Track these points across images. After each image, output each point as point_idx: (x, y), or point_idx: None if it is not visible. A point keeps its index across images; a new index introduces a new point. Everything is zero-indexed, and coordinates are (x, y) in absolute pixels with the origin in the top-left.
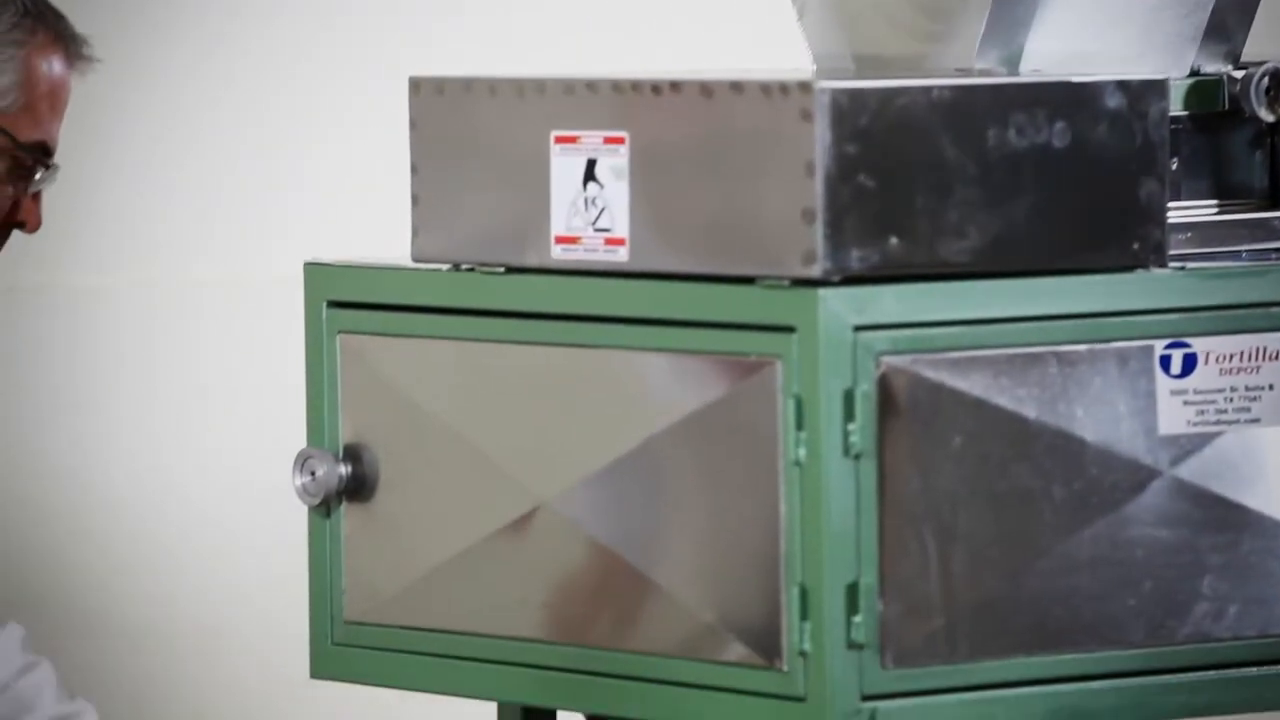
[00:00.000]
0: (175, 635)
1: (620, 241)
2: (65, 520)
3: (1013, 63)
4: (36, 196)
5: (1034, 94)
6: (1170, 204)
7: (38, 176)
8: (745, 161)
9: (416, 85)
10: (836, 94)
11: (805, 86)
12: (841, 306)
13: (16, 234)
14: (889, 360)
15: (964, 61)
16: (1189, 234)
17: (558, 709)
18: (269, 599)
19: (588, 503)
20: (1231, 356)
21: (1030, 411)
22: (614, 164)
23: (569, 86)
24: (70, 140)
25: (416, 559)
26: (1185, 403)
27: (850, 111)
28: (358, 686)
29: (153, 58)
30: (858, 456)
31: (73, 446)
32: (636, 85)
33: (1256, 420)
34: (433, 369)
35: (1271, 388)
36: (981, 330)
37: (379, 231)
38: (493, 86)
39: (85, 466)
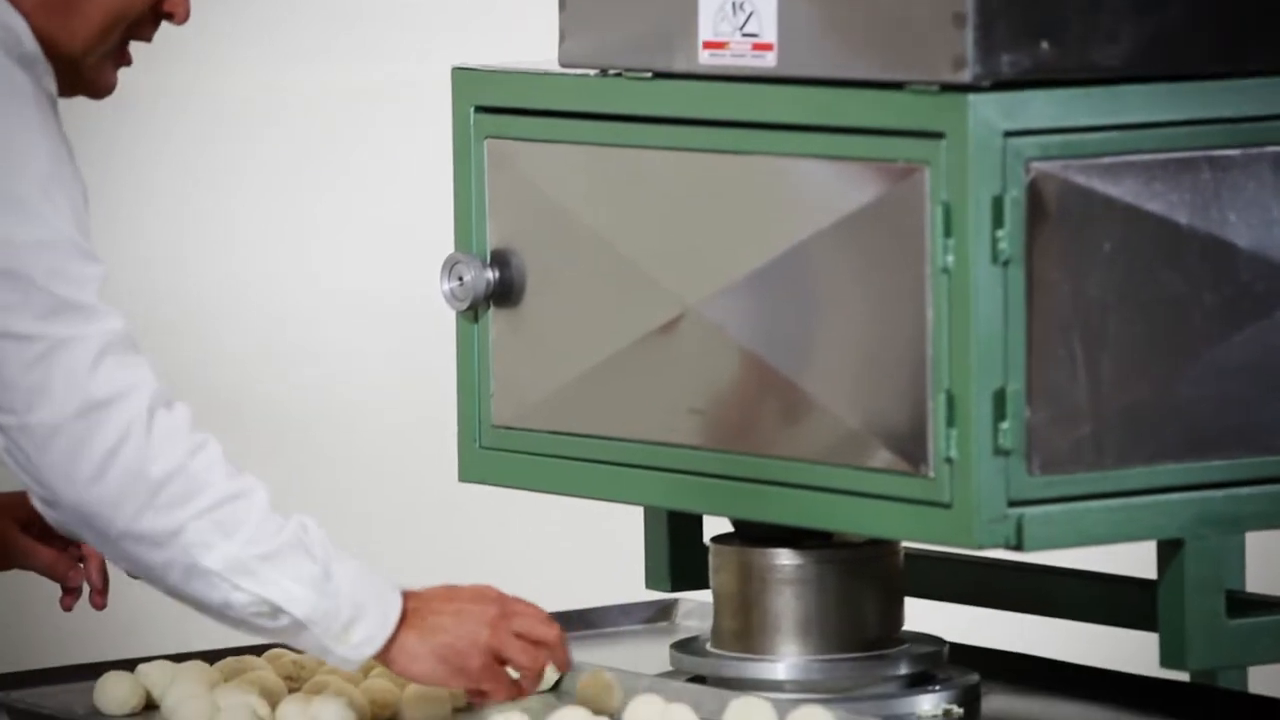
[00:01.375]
0: (326, 434)
1: (768, 47)
2: (214, 313)
3: None
4: None
5: None
6: None
7: None
8: None
9: None
10: None
11: None
12: (991, 112)
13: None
14: (1039, 166)
15: None
16: None
17: (703, 514)
18: (419, 403)
19: (734, 308)
20: None
21: (1181, 217)
22: None
23: None
24: None
25: (563, 364)
26: None
27: None
28: (505, 490)
29: None
30: (1006, 263)
31: (226, 245)
32: None
33: None
34: (579, 174)
35: None
36: (1133, 135)
37: (527, 36)
38: None
39: (241, 267)
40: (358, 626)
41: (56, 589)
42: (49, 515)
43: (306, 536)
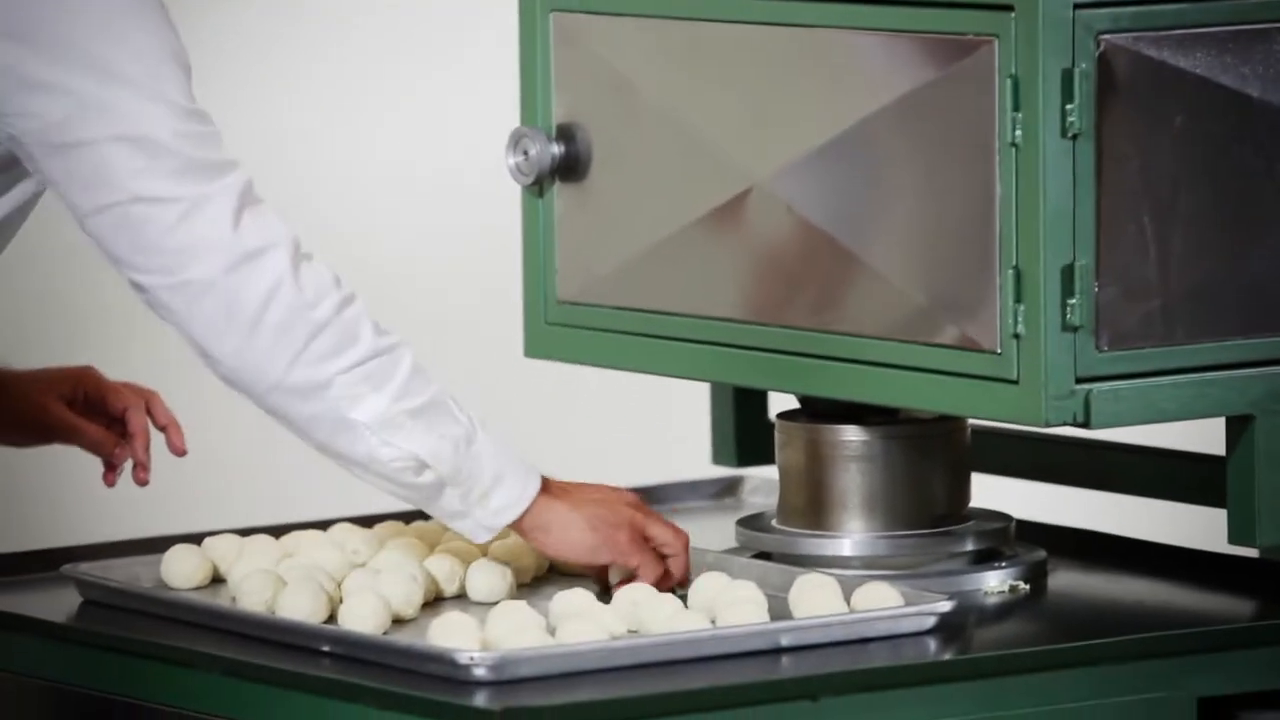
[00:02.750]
0: (391, 313)
1: None
2: (278, 193)
3: None
4: None
5: None
6: None
7: None
8: None
9: None
10: None
11: None
12: None
13: None
14: (1109, 38)
15: None
16: None
17: (769, 390)
18: (484, 279)
19: (800, 183)
20: None
21: (1253, 90)
22: None
23: None
24: None
25: (628, 239)
26: None
27: None
28: (570, 366)
29: None
30: (1075, 137)
31: (289, 123)
32: None
33: None
34: (645, 48)
35: None
36: (1205, 7)
37: None
38: None
39: (304, 144)
40: (497, 492)
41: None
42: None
43: (452, 400)
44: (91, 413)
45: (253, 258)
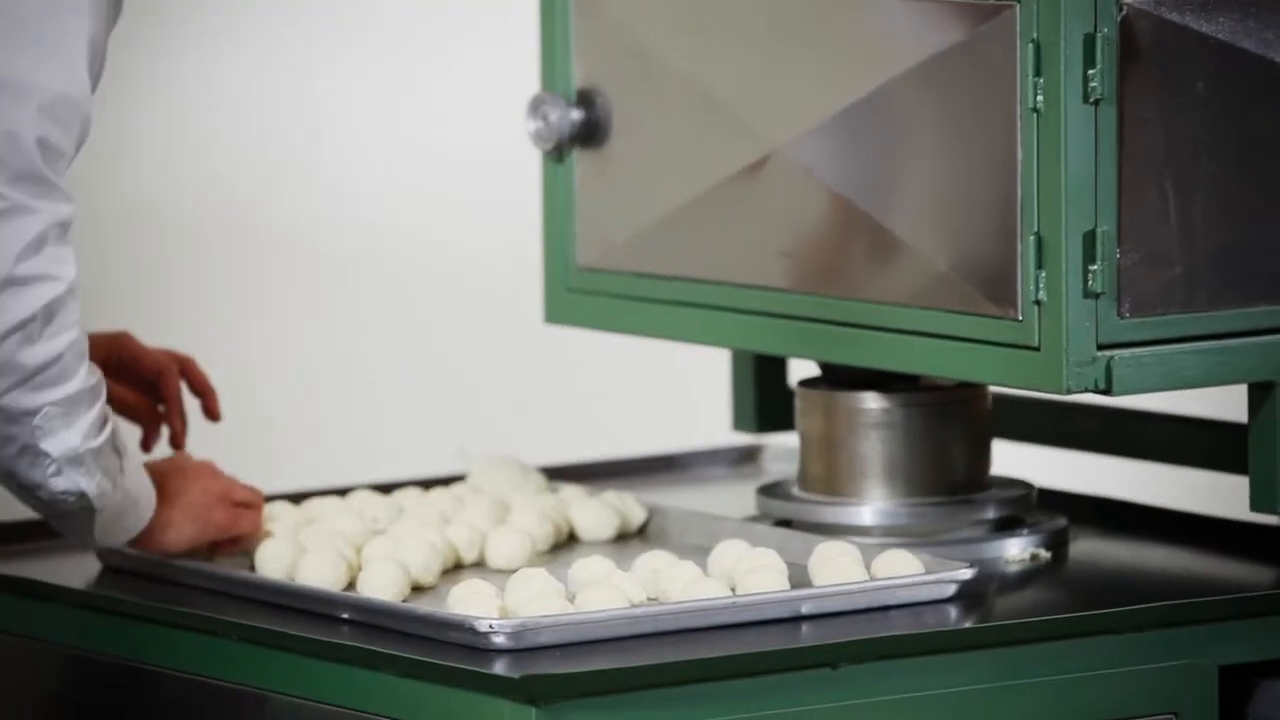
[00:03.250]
0: (412, 279)
1: None
2: (300, 161)
3: None
4: None
5: None
6: None
7: None
8: None
9: None
10: None
11: None
12: None
13: None
14: (1132, 3)
15: None
16: None
17: (789, 356)
18: (504, 246)
19: (821, 149)
20: None
21: (1276, 55)
22: None
23: None
24: None
25: (648, 205)
26: None
27: None
28: (590, 332)
29: None
30: (1097, 102)
31: (307, 90)
32: None
33: None
34: (666, 12)
35: None
36: None
37: None
38: None
39: (323, 113)
40: (129, 515)
41: (139, 430)
42: None
43: (117, 432)
44: (126, 378)
45: (22, 285)
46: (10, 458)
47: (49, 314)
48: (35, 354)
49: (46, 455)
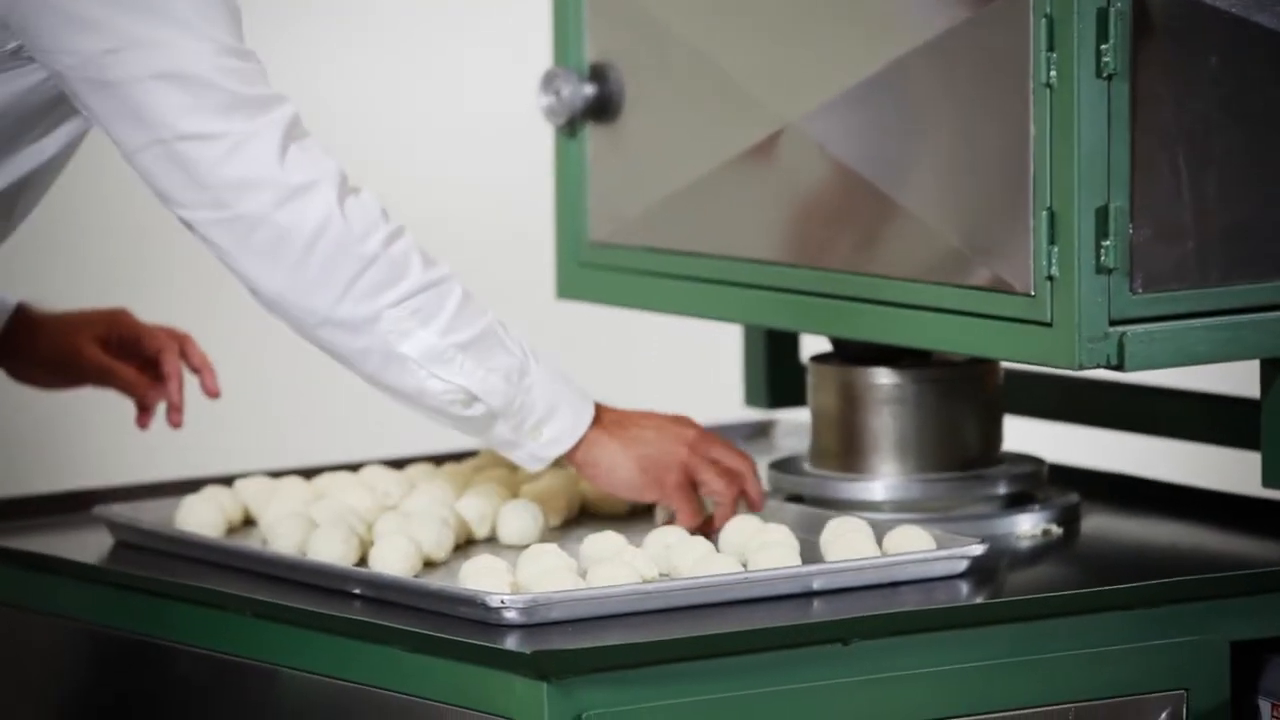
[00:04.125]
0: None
1: None
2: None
3: None
4: None
5: None
6: None
7: None
8: None
9: None
10: None
11: None
12: None
13: None
14: None
15: None
16: None
17: (801, 332)
18: (517, 220)
19: (834, 124)
20: None
21: None
22: None
23: None
24: None
25: (661, 180)
26: None
27: None
28: (602, 307)
29: None
30: (1110, 77)
31: (318, 66)
32: None
33: None
34: None
35: None
36: None
37: None
38: None
39: (334, 87)
40: (549, 424)
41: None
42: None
43: (504, 331)
44: (125, 355)
45: (300, 193)
46: (378, 372)
47: (342, 212)
48: (350, 256)
49: (407, 358)
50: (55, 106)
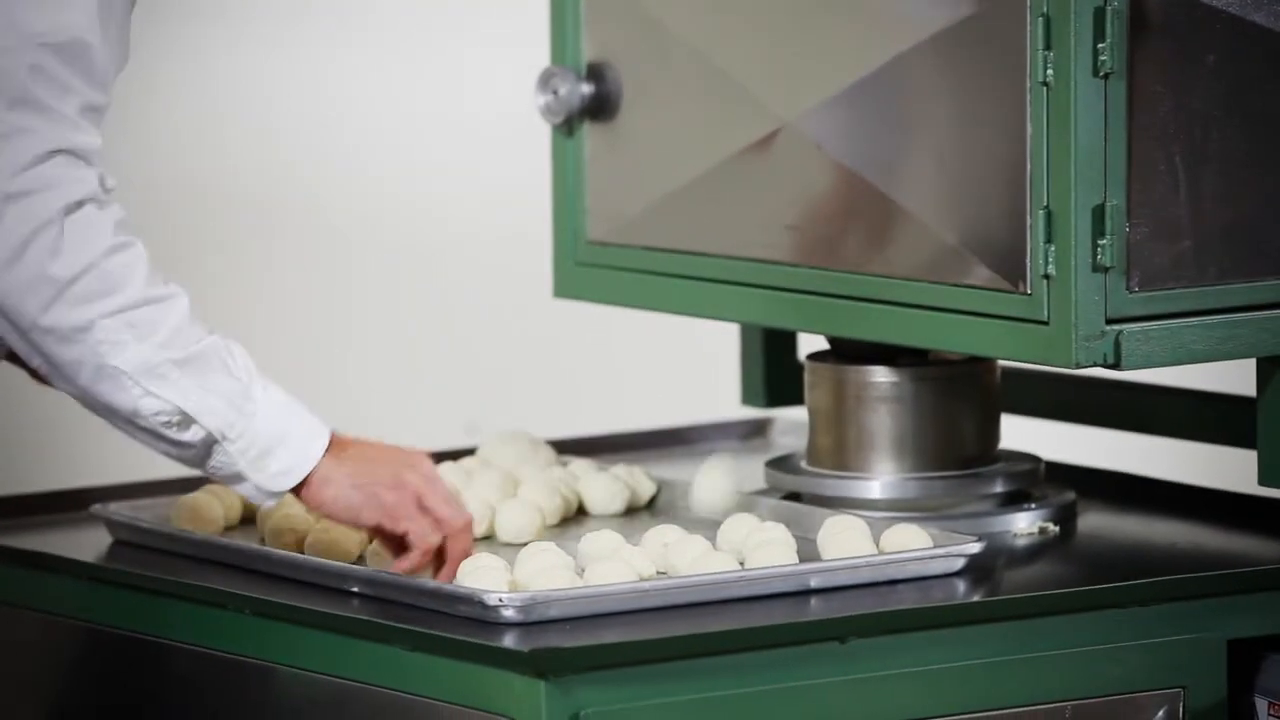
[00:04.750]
0: (423, 253)
1: None
2: (308, 132)
3: None
4: None
5: None
6: None
7: None
8: None
9: None
10: None
11: None
12: None
13: None
14: None
15: None
16: None
17: (798, 331)
18: (514, 220)
19: (831, 123)
20: None
21: None
22: None
23: None
24: None
25: (658, 179)
26: None
27: None
28: (599, 307)
29: None
30: (1107, 76)
31: (317, 64)
32: None
33: None
34: None
35: None
36: None
37: None
38: None
39: (332, 85)
40: (277, 454)
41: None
42: None
43: (229, 354)
44: None
45: (24, 196)
46: (91, 384)
47: (63, 220)
48: (64, 265)
49: (121, 372)
50: None
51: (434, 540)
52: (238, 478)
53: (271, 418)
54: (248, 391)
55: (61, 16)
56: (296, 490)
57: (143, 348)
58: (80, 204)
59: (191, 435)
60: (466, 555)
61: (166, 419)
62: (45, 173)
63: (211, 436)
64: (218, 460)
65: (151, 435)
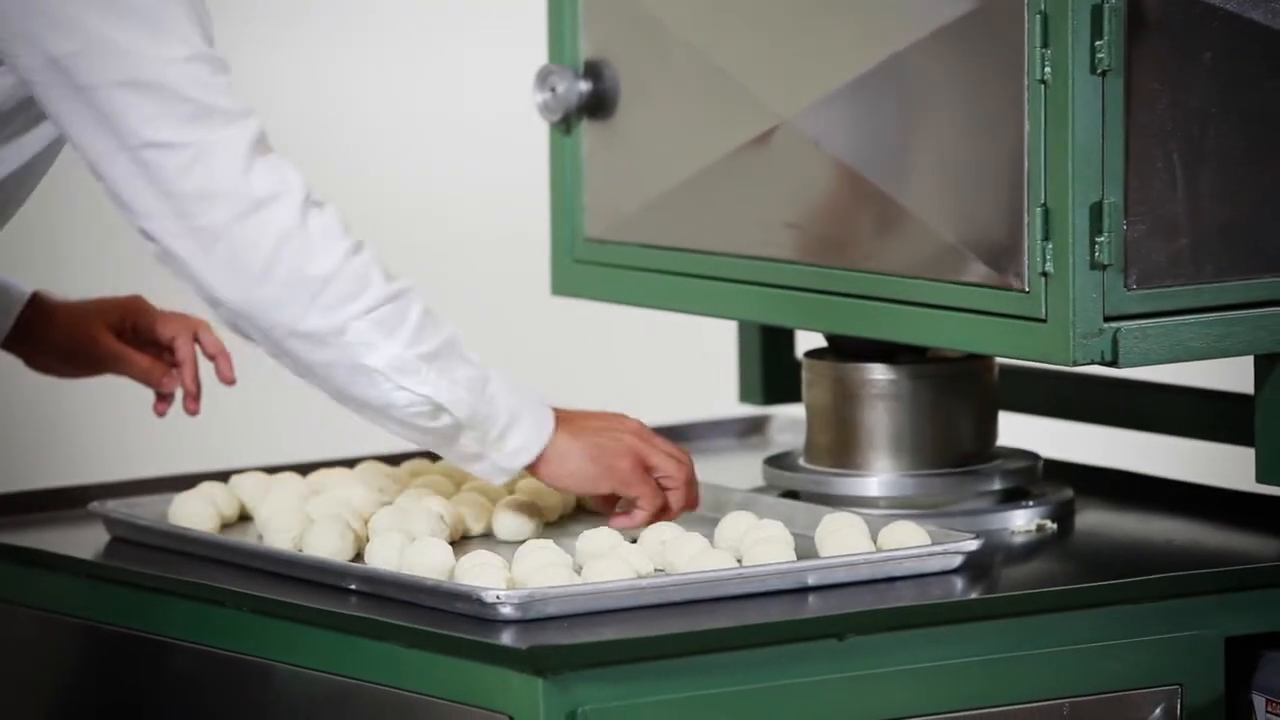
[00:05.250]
0: (419, 250)
1: None
2: (308, 131)
3: None
4: None
5: None
6: None
7: None
8: None
9: None
10: None
11: None
12: None
13: None
14: None
15: None
16: None
17: (796, 328)
18: (512, 217)
19: (829, 120)
20: None
21: None
22: None
23: None
24: None
25: (656, 177)
26: None
27: None
28: (597, 304)
29: None
30: (1105, 74)
31: (317, 61)
32: None
33: None
34: None
35: None
36: None
37: None
38: None
39: (332, 83)
40: (514, 433)
41: (149, 398)
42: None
43: (462, 343)
44: (140, 342)
45: (263, 205)
46: (345, 385)
47: (303, 225)
48: (312, 270)
49: (375, 370)
50: (32, 105)
51: (660, 502)
52: (477, 458)
53: (506, 400)
54: (486, 376)
55: (181, 29)
56: (531, 468)
57: (393, 346)
58: (305, 206)
59: (441, 422)
60: (692, 508)
61: (418, 410)
62: (263, 177)
63: (459, 423)
64: (462, 443)
65: (401, 425)
